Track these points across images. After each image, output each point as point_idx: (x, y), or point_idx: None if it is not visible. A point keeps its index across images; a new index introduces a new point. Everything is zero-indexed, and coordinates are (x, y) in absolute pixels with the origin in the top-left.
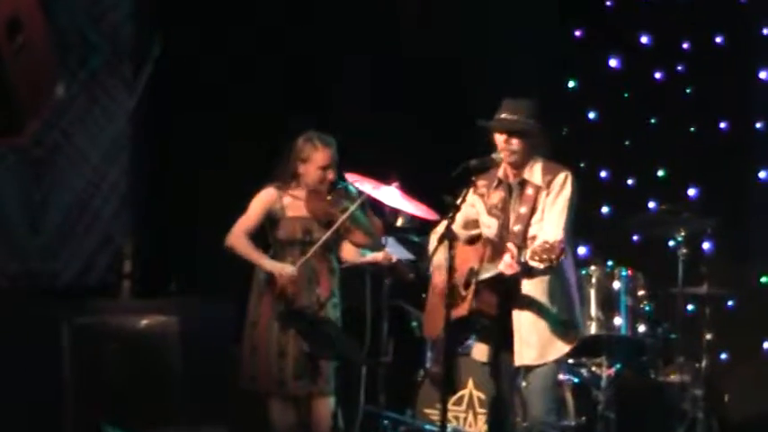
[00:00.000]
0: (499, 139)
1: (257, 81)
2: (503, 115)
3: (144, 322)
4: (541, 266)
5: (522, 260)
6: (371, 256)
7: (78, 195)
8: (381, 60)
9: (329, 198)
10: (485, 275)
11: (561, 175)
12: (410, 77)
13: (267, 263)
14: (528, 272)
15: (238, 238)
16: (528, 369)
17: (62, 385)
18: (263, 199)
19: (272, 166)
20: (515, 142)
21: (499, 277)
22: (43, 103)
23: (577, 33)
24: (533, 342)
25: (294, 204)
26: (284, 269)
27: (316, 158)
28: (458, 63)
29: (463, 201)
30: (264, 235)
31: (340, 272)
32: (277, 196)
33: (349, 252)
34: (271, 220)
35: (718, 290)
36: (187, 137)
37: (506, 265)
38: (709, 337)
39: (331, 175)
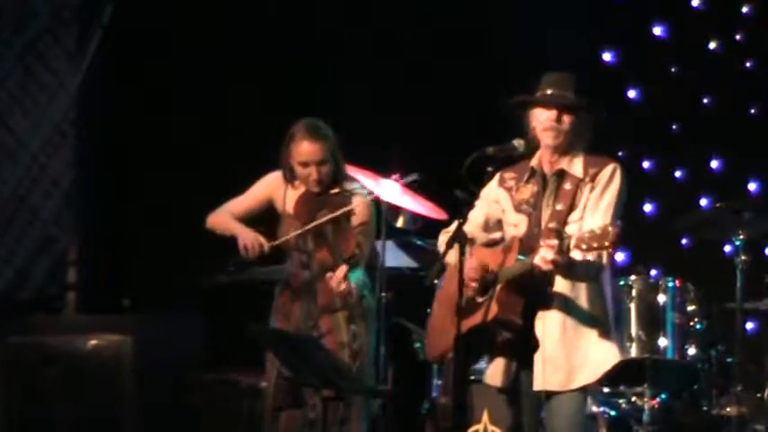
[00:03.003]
0: (542, 116)
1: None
2: (548, 91)
3: (92, 343)
4: (589, 257)
5: (565, 250)
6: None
7: (13, 190)
8: (384, 30)
9: (320, 200)
10: (512, 272)
11: (609, 168)
12: (423, 48)
13: (237, 228)
14: (567, 268)
15: (218, 214)
16: (550, 396)
17: None
18: (267, 181)
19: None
20: (567, 121)
21: (526, 280)
22: None
23: None
24: (560, 362)
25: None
26: (250, 237)
27: (296, 152)
28: (478, 34)
29: (477, 196)
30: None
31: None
32: (284, 185)
33: None
34: (276, 214)
35: None
36: (143, 122)
37: (542, 258)
38: None
39: (314, 174)
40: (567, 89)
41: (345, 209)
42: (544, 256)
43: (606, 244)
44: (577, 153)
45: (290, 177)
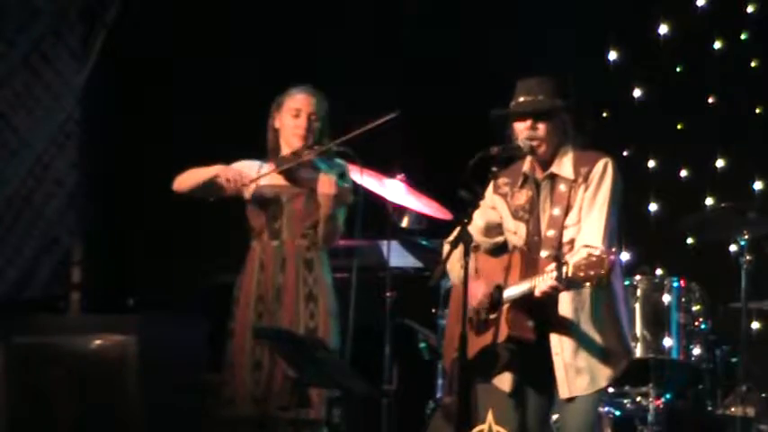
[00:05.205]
0: (521, 127)
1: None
2: (521, 99)
3: (96, 343)
4: (587, 284)
5: (564, 277)
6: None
7: (17, 190)
8: (385, 25)
9: (306, 157)
10: (514, 293)
11: (600, 164)
12: (423, 47)
13: (215, 167)
14: (568, 287)
15: (185, 173)
16: (570, 399)
17: None
18: (239, 163)
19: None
20: (541, 127)
21: (530, 300)
22: None
23: None
24: (583, 366)
25: (271, 174)
26: (233, 170)
27: (288, 104)
28: (481, 35)
29: (482, 197)
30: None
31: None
32: (257, 166)
33: None
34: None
35: None
36: (148, 121)
37: (542, 291)
38: None
39: (304, 123)
40: (539, 93)
41: (330, 145)
42: (543, 289)
43: (602, 273)
44: (566, 153)
45: (274, 142)
